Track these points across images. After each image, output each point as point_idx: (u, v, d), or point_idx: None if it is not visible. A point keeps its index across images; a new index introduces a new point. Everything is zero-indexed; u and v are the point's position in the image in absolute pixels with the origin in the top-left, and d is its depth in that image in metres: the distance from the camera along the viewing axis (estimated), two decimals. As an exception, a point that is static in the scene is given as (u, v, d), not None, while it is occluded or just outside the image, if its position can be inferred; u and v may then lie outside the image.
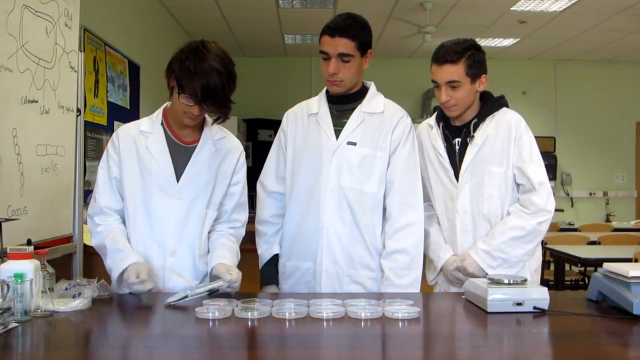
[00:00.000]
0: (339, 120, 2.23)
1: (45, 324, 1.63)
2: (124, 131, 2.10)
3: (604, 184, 8.70)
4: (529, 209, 2.22)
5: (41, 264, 1.74)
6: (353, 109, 2.23)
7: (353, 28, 2.13)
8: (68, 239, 3.02)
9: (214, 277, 1.99)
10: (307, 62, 8.39)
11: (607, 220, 8.24)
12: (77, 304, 1.74)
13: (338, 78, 2.16)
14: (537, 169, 2.24)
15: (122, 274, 1.94)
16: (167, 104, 2.10)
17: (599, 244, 5.22)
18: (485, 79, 2.29)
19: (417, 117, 8.02)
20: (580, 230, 6.20)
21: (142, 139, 2.06)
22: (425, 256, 2.34)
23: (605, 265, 1.83)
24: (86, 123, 3.77)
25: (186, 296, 1.81)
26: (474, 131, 2.29)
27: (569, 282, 5.73)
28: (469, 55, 2.23)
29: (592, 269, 4.52)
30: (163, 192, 2.02)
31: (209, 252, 2.10)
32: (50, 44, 2.76)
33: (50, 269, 1.83)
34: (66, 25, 2.90)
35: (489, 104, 2.32)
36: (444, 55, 2.23)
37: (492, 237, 2.23)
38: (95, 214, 2.07)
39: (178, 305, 1.80)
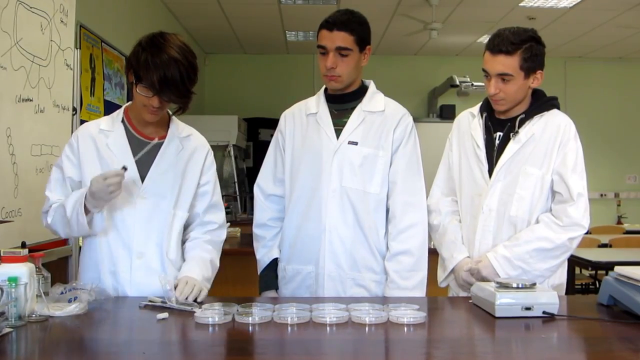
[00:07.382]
0: (339, 120, 2.20)
1: (40, 329, 1.60)
2: (83, 131, 2.06)
3: (615, 185, 8.59)
4: (562, 220, 2.08)
5: (36, 268, 1.72)
6: (353, 108, 2.20)
7: (351, 22, 2.11)
8: (63, 242, 3.00)
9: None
10: (309, 60, 8.28)
11: (619, 223, 8.15)
12: (73, 308, 1.72)
13: (336, 73, 2.12)
14: (578, 180, 2.10)
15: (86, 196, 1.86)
16: (128, 103, 2.07)
17: (610, 246, 5.16)
18: (541, 75, 2.13)
19: (423, 116, 7.88)
20: (590, 233, 6.00)
21: (102, 138, 2.02)
22: (437, 254, 2.29)
23: (617, 268, 1.80)
24: (82, 122, 3.71)
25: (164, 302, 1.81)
26: (519, 127, 2.16)
27: (579, 286, 5.66)
28: (526, 47, 2.07)
29: (603, 272, 4.48)
30: (127, 192, 1.96)
31: (184, 260, 2.05)
32: (45, 41, 2.73)
33: (45, 273, 1.81)
34: (62, 21, 2.88)
35: (540, 102, 2.19)
36: (499, 44, 2.08)
37: (515, 244, 2.10)
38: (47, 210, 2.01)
39: (155, 306, 1.80)
